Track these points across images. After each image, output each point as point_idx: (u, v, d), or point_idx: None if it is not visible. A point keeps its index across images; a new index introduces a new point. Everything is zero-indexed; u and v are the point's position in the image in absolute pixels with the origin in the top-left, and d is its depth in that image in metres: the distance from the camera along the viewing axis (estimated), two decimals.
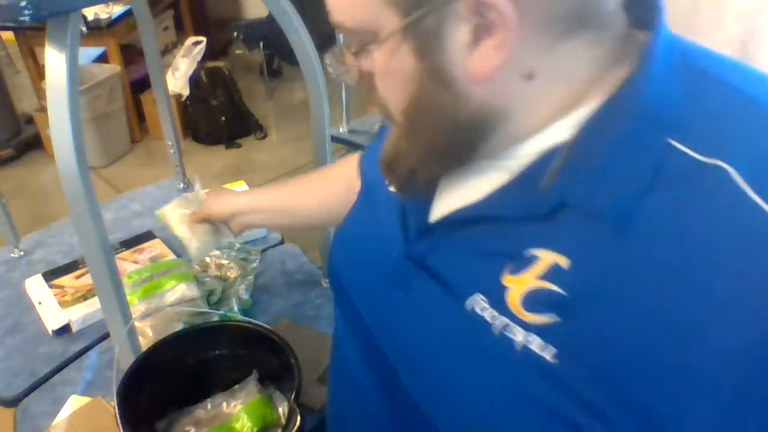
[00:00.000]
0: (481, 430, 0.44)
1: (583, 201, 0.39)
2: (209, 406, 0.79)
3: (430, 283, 0.48)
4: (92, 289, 1.13)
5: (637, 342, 0.36)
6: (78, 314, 1.07)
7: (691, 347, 0.34)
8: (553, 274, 0.39)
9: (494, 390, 0.42)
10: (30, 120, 3.09)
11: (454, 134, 0.43)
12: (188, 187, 1.49)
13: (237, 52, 4.10)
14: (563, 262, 0.39)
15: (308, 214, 0.90)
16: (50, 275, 1.17)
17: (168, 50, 3.47)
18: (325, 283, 1.17)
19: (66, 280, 1.16)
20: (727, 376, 0.33)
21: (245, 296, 1.10)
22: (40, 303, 1.11)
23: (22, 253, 1.26)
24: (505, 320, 0.41)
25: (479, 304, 0.43)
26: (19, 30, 2.93)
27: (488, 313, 0.42)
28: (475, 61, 0.38)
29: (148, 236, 1.30)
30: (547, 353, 0.39)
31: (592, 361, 0.37)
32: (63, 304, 1.09)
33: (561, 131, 0.41)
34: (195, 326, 0.87)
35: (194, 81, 3.09)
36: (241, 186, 1.41)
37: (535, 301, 0.40)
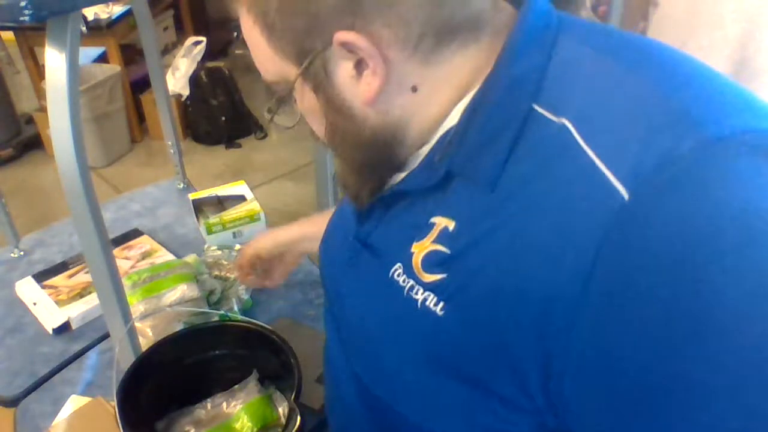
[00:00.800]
0: (405, 388, 0.49)
1: (462, 168, 0.44)
2: (209, 406, 0.79)
3: (369, 257, 0.54)
4: (88, 287, 1.13)
5: (495, 282, 0.40)
6: (77, 311, 1.07)
7: (537, 293, 0.38)
8: (443, 236, 0.45)
9: (403, 347, 0.48)
10: (30, 120, 3.08)
11: (366, 150, 0.51)
12: (188, 187, 1.49)
13: (237, 52, 4.10)
14: (450, 224, 0.45)
15: None
16: (41, 276, 1.17)
17: (168, 50, 3.47)
18: None
19: (58, 280, 1.16)
20: (561, 314, 0.37)
21: (245, 296, 1.10)
22: (35, 304, 1.11)
23: (22, 253, 1.26)
24: (411, 282, 0.47)
25: (397, 271, 0.49)
26: (19, 30, 2.92)
27: (401, 278, 0.48)
28: (361, 89, 0.46)
29: (135, 233, 1.31)
30: (438, 308, 0.44)
31: (468, 309, 0.42)
32: (60, 302, 1.10)
33: (454, 117, 0.47)
34: (195, 326, 0.87)
35: (194, 81, 3.09)
36: (241, 186, 1.41)
37: (429, 262, 0.46)
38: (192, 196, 1.40)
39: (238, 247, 1.24)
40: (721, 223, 0.34)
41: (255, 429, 0.75)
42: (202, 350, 0.83)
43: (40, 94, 3.05)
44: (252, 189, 1.39)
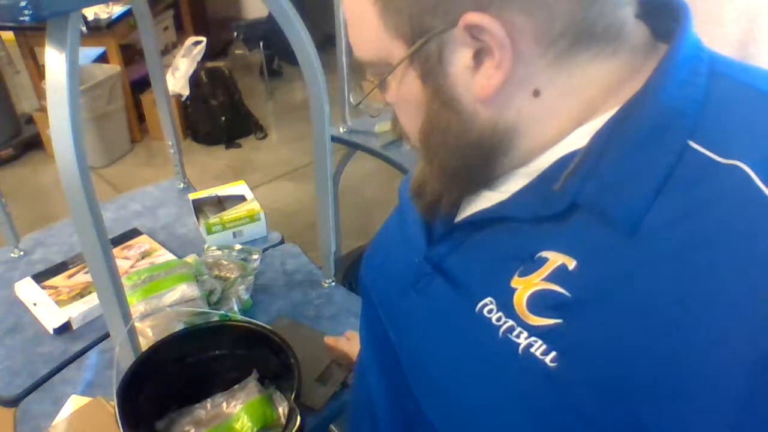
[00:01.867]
0: (478, 430, 0.44)
1: (593, 202, 0.39)
2: (209, 406, 0.79)
3: (445, 285, 0.48)
4: (88, 287, 1.13)
5: (638, 350, 0.34)
6: (78, 311, 1.07)
7: (694, 359, 0.33)
8: (559, 275, 0.39)
9: (494, 395, 0.42)
10: (30, 120, 3.08)
11: (467, 154, 0.45)
12: (188, 187, 1.49)
13: (237, 52, 4.10)
14: (570, 263, 0.39)
15: None
16: (41, 277, 1.17)
17: (168, 50, 3.47)
18: (325, 283, 1.17)
19: (58, 280, 1.16)
20: (732, 391, 0.32)
21: (245, 296, 1.10)
22: (35, 304, 1.11)
23: (22, 253, 1.26)
24: (510, 322, 0.41)
25: (488, 306, 0.43)
26: (19, 30, 2.93)
27: (495, 316, 0.42)
28: (477, 82, 0.41)
29: (134, 233, 1.31)
30: (548, 357, 0.38)
31: (591, 367, 0.36)
32: (60, 303, 1.10)
33: (577, 140, 0.42)
34: (195, 326, 0.87)
35: (194, 81, 3.08)
36: (241, 186, 1.41)
37: (539, 303, 0.40)
38: (192, 196, 1.40)
39: (238, 247, 1.24)
40: None
41: (255, 429, 0.75)
42: (202, 350, 0.83)
43: (40, 94, 3.05)
44: (252, 189, 1.39)
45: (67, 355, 1.01)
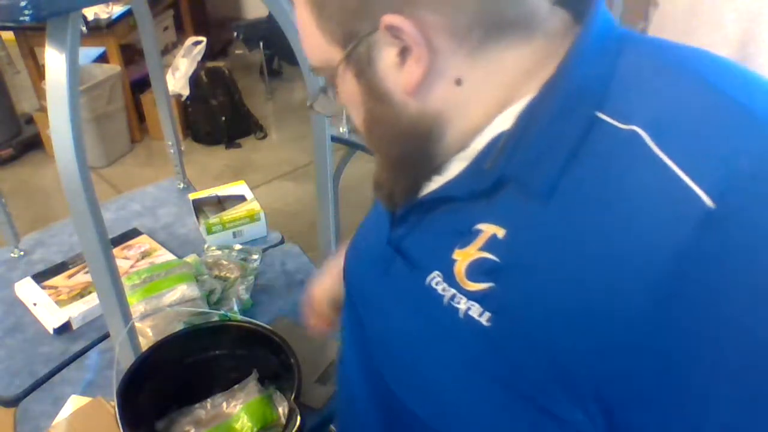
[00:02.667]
0: (443, 399, 0.48)
1: (516, 174, 0.43)
2: (209, 406, 0.79)
3: (403, 265, 0.52)
4: (88, 287, 1.13)
5: (558, 304, 0.38)
6: (78, 311, 1.07)
7: (595, 299, 0.37)
8: (491, 244, 0.43)
9: (443, 358, 0.46)
10: (30, 120, 3.08)
11: (402, 142, 0.49)
12: (188, 187, 1.49)
13: (237, 52, 4.10)
14: (500, 232, 0.43)
15: None
16: (41, 277, 1.17)
17: (168, 50, 3.47)
18: None
19: (58, 280, 1.16)
20: (629, 326, 0.35)
21: (245, 296, 1.10)
22: (35, 304, 1.11)
23: (22, 253, 1.26)
24: (453, 291, 0.45)
25: (435, 279, 0.47)
26: (19, 30, 2.93)
27: (441, 287, 0.46)
28: (403, 77, 0.45)
29: (134, 233, 1.31)
30: (484, 318, 0.42)
31: (520, 323, 0.40)
32: (60, 303, 1.10)
33: (503, 123, 0.45)
34: (195, 326, 0.87)
35: (194, 81, 3.09)
36: (241, 186, 1.41)
37: (475, 270, 0.44)
38: (192, 196, 1.40)
39: (238, 247, 1.24)
40: None
41: (255, 429, 0.75)
42: (202, 350, 0.83)
43: (40, 94, 3.05)
44: (252, 189, 1.39)
45: (67, 355, 1.01)
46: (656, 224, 0.35)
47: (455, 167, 0.49)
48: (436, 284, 0.47)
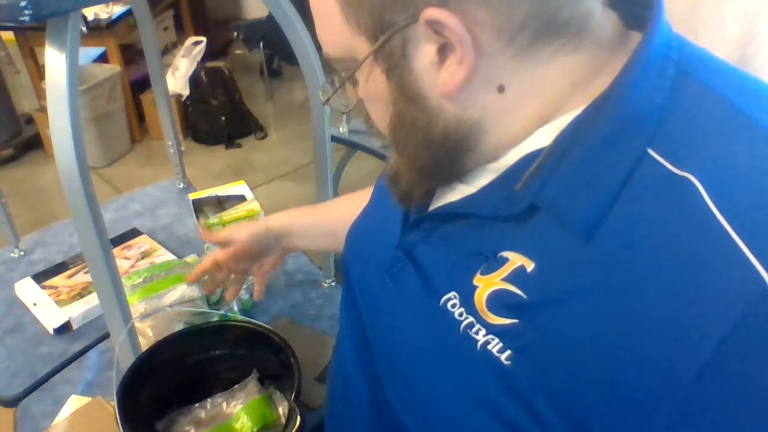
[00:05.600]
0: (439, 425, 0.45)
1: (552, 204, 0.39)
2: (209, 406, 0.79)
3: (414, 274, 0.49)
4: (88, 287, 1.13)
5: (586, 356, 0.35)
6: (78, 311, 1.07)
7: (636, 369, 0.33)
8: (517, 276, 0.40)
9: (454, 388, 0.43)
10: (30, 120, 3.08)
11: (433, 149, 0.45)
12: (188, 187, 1.49)
13: (237, 52, 4.10)
14: (528, 265, 0.39)
15: None
16: (41, 277, 1.17)
17: (168, 50, 3.47)
18: (325, 283, 1.17)
19: (58, 280, 1.16)
20: (671, 400, 0.32)
21: (245, 296, 1.10)
22: (35, 304, 1.11)
23: (22, 253, 1.26)
24: (471, 319, 0.42)
25: (452, 300, 0.44)
26: (19, 30, 2.93)
27: (457, 311, 0.43)
28: (442, 78, 0.40)
29: (134, 233, 1.31)
30: (504, 355, 0.39)
31: (542, 367, 0.37)
32: (60, 303, 1.10)
33: (543, 137, 0.41)
34: (195, 326, 0.87)
35: (194, 81, 3.09)
36: (241, 186, 1.41)
37: (497, 302, 0.40)
38: (192, 196, 1.40)
39: None
40: None
41: (255, 429, 0.75)
42: (202, 350, 0.83)
43: (40, 94, 3.05)
44: (252, 189, 1.39)
45: (67, 355, 1.01)
46: (713, 299, 0.32)
47: (481, 178, 0.46)
48: (452, 306, 0.43)
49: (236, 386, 0.80)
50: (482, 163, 0.45)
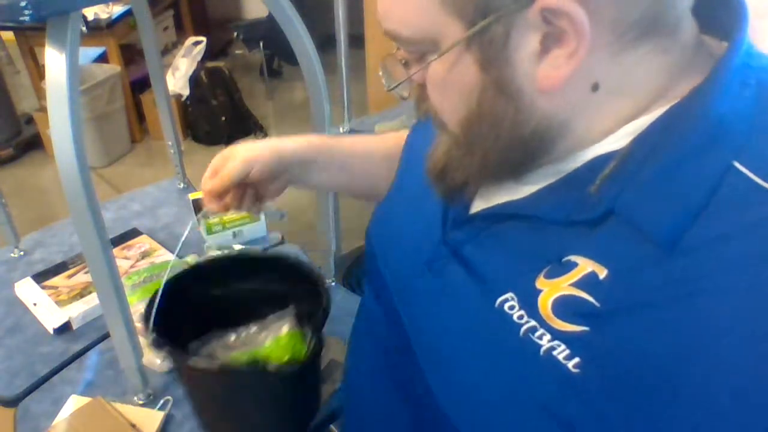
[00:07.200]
0: (486, 419, 0.44)
1: (631, 212, 0.37)
2: (243, 334, 0.77)
3: (463, 272, 0.47)
4: (88, 287, 1.13)
5: (664, 367, 0.34)
6: (78, 311, 1.07)
7: (713, 383, 0.32)
8: (588, 282, 0.38)
9: (510, 391, 0.41)
10: (30, 120, 3.09)
11: (515, 147, 0.42)
12: (188, 187, 1.49)
13: (237, 52, 4.10)
14: (601, 272, 0.37)
15: (373, 173, 0.74)
16: (41, 277, 1.17)
17: (168, 50, 3.47)
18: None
19: (58, 280, 1.16)
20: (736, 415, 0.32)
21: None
22: (35, 304, 1.11)
23: (22, 253, 1.26)
24: (533, 323, 0.40)
25: (509, 302, 0.42)
26: (19, 30, 2.93)
27: (516, 313, 0.41)
28: (543, 72, 0.37)
29: (134, 233, 1.31)
30: (571, 363, 0.37)
31: (614, 377, 0.36)
32: (60, 303, 1.10)
33: (618, 139, 0.40)
34: (241, 252, 0.84)
35: (194, 81, 3.09)
36: None
37: (566, 308, 0.39)
38: (192, 196, 1.39)
39: (238, 247, 1.24)
40: None
41: (284, 359, 0.73)
42: (241, 279, 0.81)
43: (40, 94, 3.06)
44: None
45: (67, 355, 1.01)
46: None
47: (541, 178, 0.43)
48: (510, 308, 0.41)
49: (271, 316, 0.77)
50: (547, 163, 0.43)
